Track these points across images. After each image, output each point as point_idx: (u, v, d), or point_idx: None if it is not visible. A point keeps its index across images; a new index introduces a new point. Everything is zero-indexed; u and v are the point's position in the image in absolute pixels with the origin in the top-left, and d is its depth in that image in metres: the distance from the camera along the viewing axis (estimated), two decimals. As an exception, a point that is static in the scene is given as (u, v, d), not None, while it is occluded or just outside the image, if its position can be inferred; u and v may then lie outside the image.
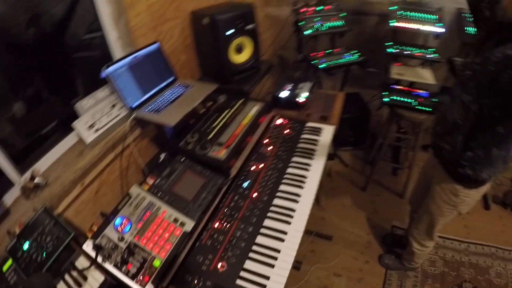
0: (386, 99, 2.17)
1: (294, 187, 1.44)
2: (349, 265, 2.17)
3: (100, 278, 1.12)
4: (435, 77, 2.26)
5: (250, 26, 1.87)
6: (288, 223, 1.30)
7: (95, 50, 1.78)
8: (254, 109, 1.72)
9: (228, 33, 1.80)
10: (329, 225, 2.43)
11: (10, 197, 1.33)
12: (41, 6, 1.55)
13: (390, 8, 2.38)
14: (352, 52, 2.46)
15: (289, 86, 2.05)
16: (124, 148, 1.59)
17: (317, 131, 1.74)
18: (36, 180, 1.31)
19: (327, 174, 2.65)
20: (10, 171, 1.32)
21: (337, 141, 2.96)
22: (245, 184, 1.45)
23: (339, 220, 2.47)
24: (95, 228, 1.21)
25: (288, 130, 1.75)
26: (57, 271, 1.15)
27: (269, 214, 1.34)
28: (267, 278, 1.14)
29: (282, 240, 1.25)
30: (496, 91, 1.14)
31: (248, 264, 1.19)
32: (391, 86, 2.28)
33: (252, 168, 1.53)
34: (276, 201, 1.38)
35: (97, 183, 1.54)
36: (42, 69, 1.61)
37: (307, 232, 2.31)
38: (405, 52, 2.31)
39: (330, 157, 1.74)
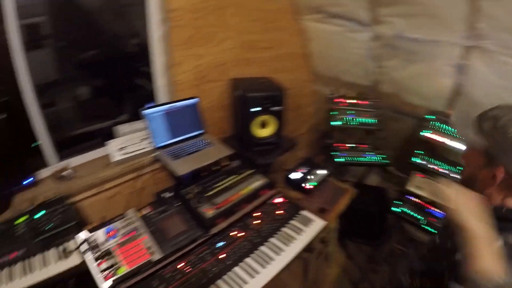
0: (395, 209, 2.30)
1: (257, 264, 1.73)
2: None
3: (77, 261, 1.56)
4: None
5: (276, 108, 2.30)
6: (237, 291, 1.61)
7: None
8: (257, 183, 2.07)
9: (254, 109, 2.23)
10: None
11: (43, 174, 1.90)
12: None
13: (427, 116, 2.49)
14: (377, 152, 2.68)
15: (305, 169, 2.41)
16: (141, 174, 2.06)
17: (307, 222, 2.02)
18: (65, 173, 1.86)
19: (325, 257, 2.85)
20: (50, 154, 1.92)
21: (349, 230, 3.17)
22: (219, 244, 1.79)
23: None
24: (93, 225, 1.69)
25: (281, 211, 2.06)
26: (53, 241, 1.63)
27: (224, 277, 1.65)
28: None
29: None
30: None
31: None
32: (406, 196, 2.38)
33: (232, 233, 1.86)
34: (236, 269, 1.69)
35: (113, 191, 2.03)
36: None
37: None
38: (429, 166, 2.41)
39: (309, 249, 2.03)
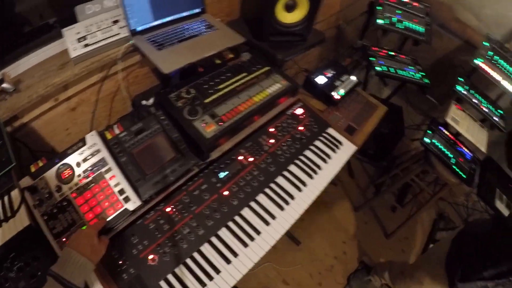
0: (427, 140, 1.84)
1: (274, 205, 1.21)
2: (301, 279, 2.06)
3: (25, 222, 0.97)
4: (488, 143, 1.92)
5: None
6: (245, 244, 1.10)
7: None
8: (276, 86, 1.39)
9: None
10: (304, 230, 2.27)
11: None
12: None
13: (484, 43, 1.95)
14: (417, 67, 2.05)
15: (330, 73, 1.73)
16: (108, 74, 1.37)
17: (335, 145, 1.45)
18: (4, 85, 1.14)
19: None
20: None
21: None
22: (222, 175, 1.22)
23: (317, 230, 2.31)
24: (40, 164, 1.05)
25: (303, 128, 1.46)
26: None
27: (229, 224, 1.14)
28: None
29: (228, 261, 1.06)
30: None
31: (180, 271, 1.03)
32: (440, 128, 1.94)
33: (239, 158, 1.28)
34: (245, 212, 1.17)
35: (76, 100, 1.36)
36: None
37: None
38: (473, 100, 1.92)
39: (333, 181, 1.50)
